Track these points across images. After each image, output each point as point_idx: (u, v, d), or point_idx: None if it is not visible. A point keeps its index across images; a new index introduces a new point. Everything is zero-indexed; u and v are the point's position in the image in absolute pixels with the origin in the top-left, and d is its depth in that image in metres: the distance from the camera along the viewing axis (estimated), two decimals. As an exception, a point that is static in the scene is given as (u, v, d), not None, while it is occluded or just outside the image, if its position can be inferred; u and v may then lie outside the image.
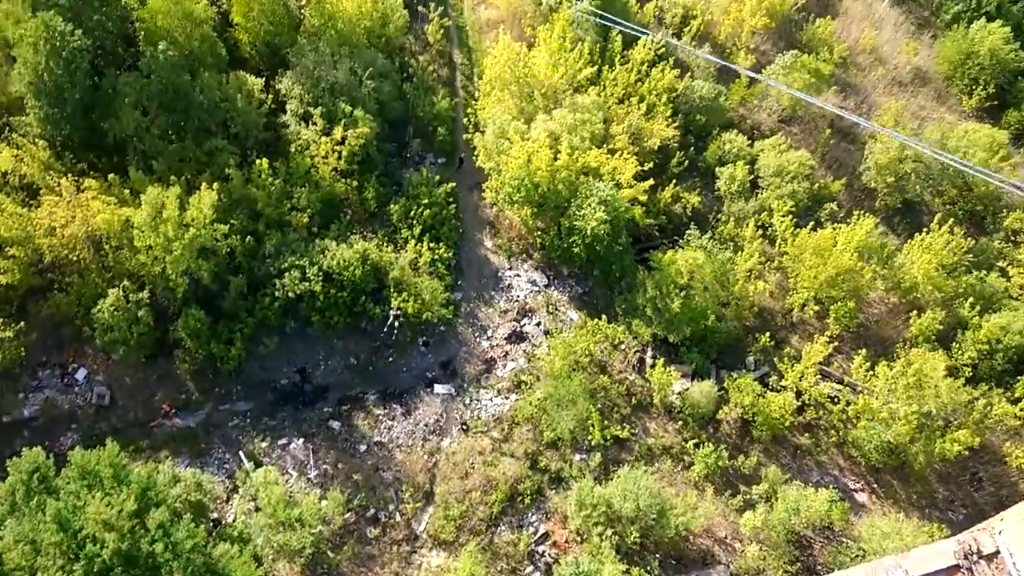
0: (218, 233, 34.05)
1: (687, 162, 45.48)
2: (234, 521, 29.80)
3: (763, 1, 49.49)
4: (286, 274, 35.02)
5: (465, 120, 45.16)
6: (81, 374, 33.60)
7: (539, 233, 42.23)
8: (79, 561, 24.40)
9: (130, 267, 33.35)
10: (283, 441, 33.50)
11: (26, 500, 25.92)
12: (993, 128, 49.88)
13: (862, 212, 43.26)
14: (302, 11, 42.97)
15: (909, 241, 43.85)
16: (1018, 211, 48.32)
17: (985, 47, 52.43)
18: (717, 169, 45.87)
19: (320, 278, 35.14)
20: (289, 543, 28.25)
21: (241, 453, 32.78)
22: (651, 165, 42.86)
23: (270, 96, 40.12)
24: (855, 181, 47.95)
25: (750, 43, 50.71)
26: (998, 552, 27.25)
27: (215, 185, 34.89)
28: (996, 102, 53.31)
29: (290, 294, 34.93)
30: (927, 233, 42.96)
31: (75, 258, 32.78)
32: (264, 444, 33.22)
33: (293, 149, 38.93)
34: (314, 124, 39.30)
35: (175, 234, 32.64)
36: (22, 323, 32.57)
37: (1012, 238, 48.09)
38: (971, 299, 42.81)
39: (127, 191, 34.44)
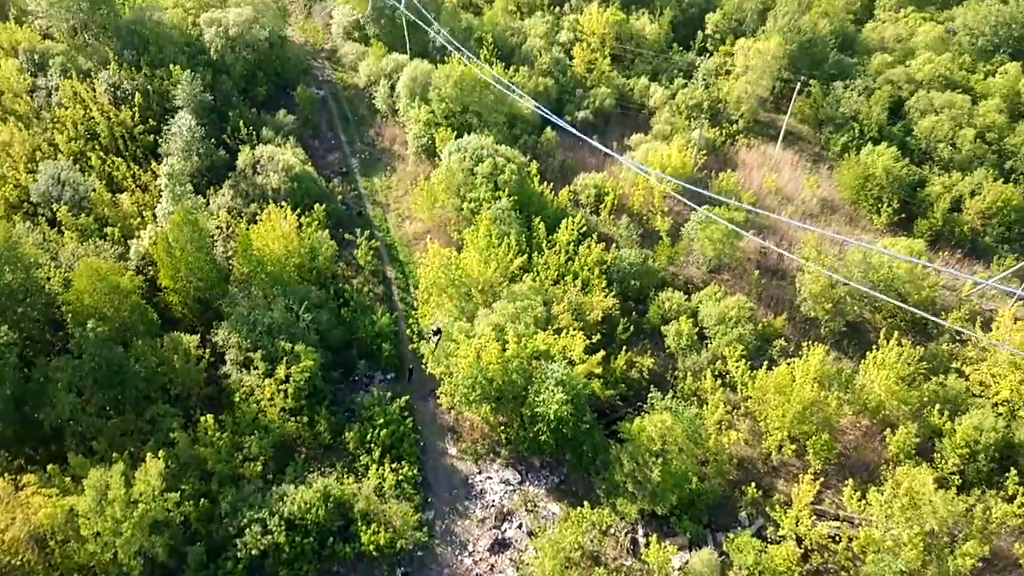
0: (169, 503, 33.25)
1: (632, 327, 47.34)
2: None
3: (666, 169, 54.35)
4: (246, 531, 33.94)
5: (408, 331, 46.62)
6: None
7: (503, 428, 42.43)
8: None
9: (79, 560, 31.91)
10: None
11: None
12: (908, 239, 53.94)
13: (810, 342, 45.02)
14: (230, 261, 45.12)
15: (863, 361, 45.47)
16: (955, 311, 51.13)
17: (879, 168, 57.83)
18: (662, 328, 47.81)
19: (283, 528, 34.13)
20: None
21: None
22: (598, 337, 44.41)
23: (207, 350, 40.94)
24: (796, 314, 50.34)
25: (664, 207, 54.88)
26: None
27: (160, 453, 34.54)
28: (904, 215, 58.04)
29: (253, 551, 33.66)
30: (878, 350, 44.77)
31: (18, 562, 31.29)
32: None
33: (237, 398, 39.21)
34: (256, 368, 39.98)
35: (123, 514, 31.76)
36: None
37: (957, 337, 50.44)
38: (938, 405, 43.89)
39: (68, 478, 33.73)
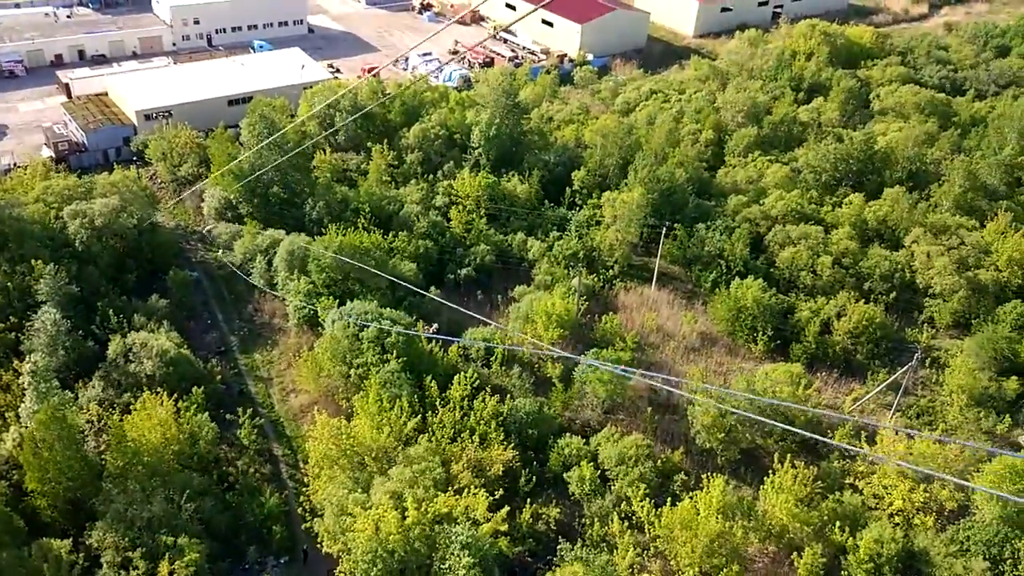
0: None
1: (535, 477, 50.26)
2: None
3: (551, 318, 59.78)
4: None
5: (300, 510, 47.49)
6: None
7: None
8: None
9: None
10: None
11: None
12: (787, 363, 60.65)
13: (709, 473, 49.12)
14: (103, 457, 45.52)
15: (762, 487, 49.85)
16: (840, 428, 57.12)
17: (749, 299, 65.45)
18: (565, 475, 50.90)
19: None
20: None
21: None
22: (501, 492, 47.00)
23: (81, 555, 40.52)
24: (692, 446, 54.83)
25: (550, 357, 59.73)
26: None
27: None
28: (779, 341, 65.30)
29: None
30: (774, 474, 49.34)
31: None
32: None
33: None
34: (135, 569, 39.82)
35: None
36: None
37: (846, 454, 56.09)
38: (838, 522, 48.26)
39: None
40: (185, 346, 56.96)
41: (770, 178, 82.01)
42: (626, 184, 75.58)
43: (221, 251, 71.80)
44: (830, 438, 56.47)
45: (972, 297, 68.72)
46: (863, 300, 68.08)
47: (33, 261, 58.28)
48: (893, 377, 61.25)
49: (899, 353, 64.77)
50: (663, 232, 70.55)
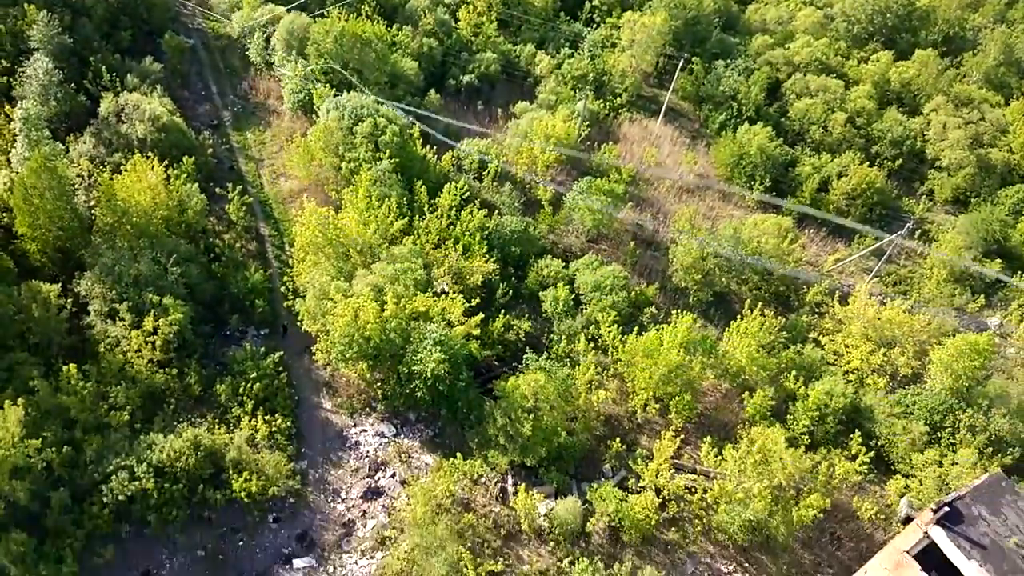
0: (30, 449, 36.30)
1: (511, 292, 53.35)
2: None
3: (550, 138, 60.69)
4: (112, 478, 37.47)
5: (283, 288, 50.72)
6: None
7: (379, 384, 47.37)
8: None
9: (-66, 500, 34.63)
10: (140, 652, 34.79)
11: None
12: (778, 216, 62.70)
13: (679, 310, 52.29)
14: (92, 211, 47.71)
15: (727, 329, 53.38)
16: (816, 285, 60.21)
17: (754, 146, 66.43)
18: (540, 293, 54.06)
19: (151, 474, 37.88)
20: None
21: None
22: (478, 300, 50.19)
23: (69, 300, 43.70)
24: (667, 284, 57.91)
25: (547, 176, 61.26)
26: None
27: (20, 400, 37.40)
28: (775, 192, 66.96)
29: (120, 497, 37.27)
30: (742, 319, 52.70)
31: None
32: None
33: (102, 349, 42.34)
34: (122, 319, 43.12)
35: (-17, 458, 34.69)
36: None
37: (816, 311, 59.55)
38: (794, 372, 52.25)
39: (-79, 421, 36.15)
40: (178, 114, 57.73)
41: (800, 21, 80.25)
42: (649, 6, 73.83)
43: (219, 21, 70.64)
44: (804, 294, 59.92)
45: (978, 175, 69.95)
46: (867, 163, 69.24)
47: (26, 5, 57.59)
48: (880, 243, 63.68)
49: (891, 221, 66.80)
50: (680, 65, 69.94)
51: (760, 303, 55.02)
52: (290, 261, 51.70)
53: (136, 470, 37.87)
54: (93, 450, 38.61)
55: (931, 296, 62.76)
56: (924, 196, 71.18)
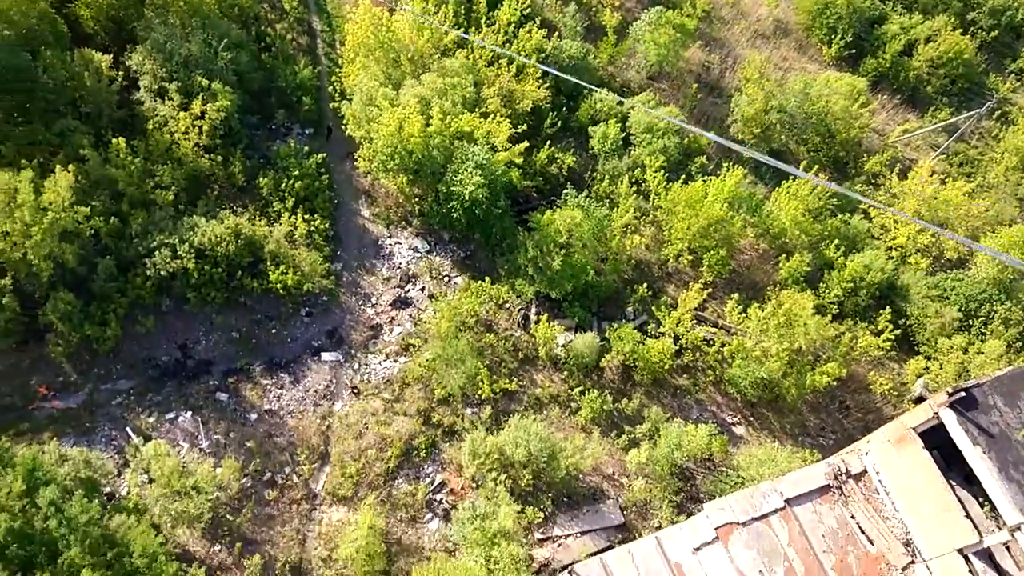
0: (79, 215, 38.31)
1: (560, 123, 52.93)
2: (128, 494, 34.52)
3: (625, -40, 57.82)
4: (156, 253, 39.72)
5: (330, 89, 50.78)
6: (-55, 370, 37.41)
7: (416, 200, 48.51)
8: (-28, 542, 28.61)
9: (-11, 253, 37.16)
10: (171, 415, 38.42)
11: (-93, 489, 29.74)
12: (852, 76, 60.31)
13: (731, 163, 51.84)
14: (145, -17, 47.34)
15: (776, 189, 53.04)
16: (877, 155, 58.88)
17: (843, -4, 62.85)
18: (590, 128, 53.58)
19: (192, 255, 40.04)
20: (186, 510, 33.33)
21: (128, 429, 37.44)
22: (525, 127, 49.99)
23: (121, 73, 44.36)
24: (723, 134, 56.94)
25: (615, 1, 58.85)
26: (865, 471, 34.49)
27: (71, 167, 38.99)
28: (854, 51, 64.00)
29: (162, 272, 39.71)
30: (793, 180, 52.16)
31: (-73, 248, 36.34)
32: (151, 419, 38.07)
33: (151, 126, 43.43)
34: (170, 99, 43.90)
35: (33, 219, 36.70)
36: None
37: (872, 181, 58.61)
38: (836, 241, 52.33)
39: (-24, 176, 38.07)
40: None
41: None
42: None
43: None
44: (863, 163, 58.75)
45: (1079, 59, 66.09)
46: (960, 31, 65.42)
47: None
48: (954, 119, 61.44)
49: (971, 97, 64.01)
50: None
51: (816, 166, 54.23)
52: (340, 61, 51.39)
53: (178, 249, 39.98)
54: (139, 224, 40.64)
55: (996, 182, 61.20)
56: (1012, 74, 67.58)
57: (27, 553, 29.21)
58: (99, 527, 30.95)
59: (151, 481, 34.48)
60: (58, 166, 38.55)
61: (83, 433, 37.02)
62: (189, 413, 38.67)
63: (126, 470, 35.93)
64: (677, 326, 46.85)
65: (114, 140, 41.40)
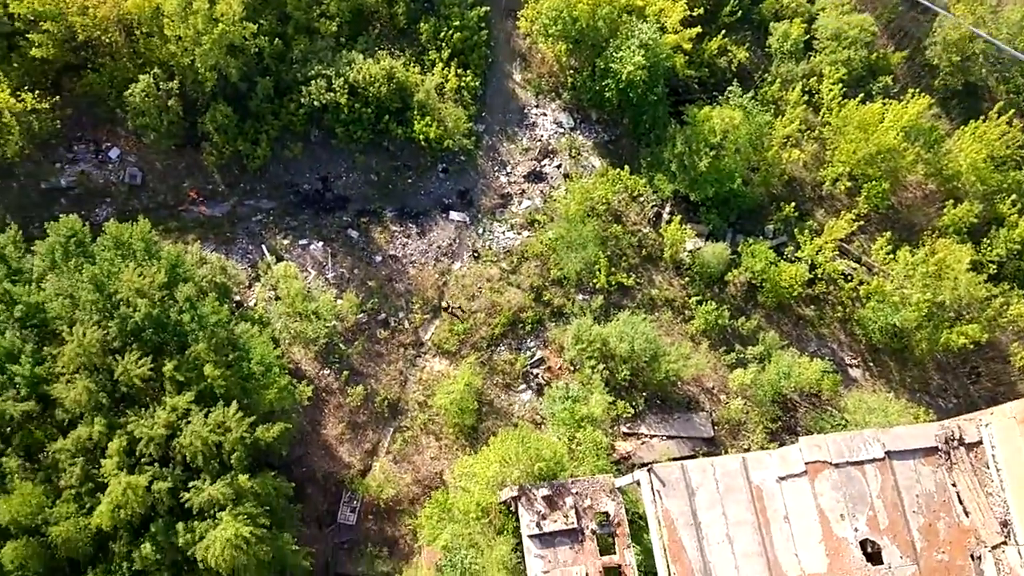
0: (247, 32, 39.62)
1: (740, 12, 49.54)
2: (255, 305, 37.42)
3: None
4: (312, 82, 40.91)
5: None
6: (114, 153, 40.69)
7: (571, 72, 47.44)
8: (113, 319, 31.73)
9: (160, 56, 39.20)
10: (303, 242, 40.85)
11: (64, 260, 33.06)
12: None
13: (918, 90, 47.83)
14: None
15: (962, 127, 48.83)
16: (1092, 108, 52.88)
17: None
18: (771, 24, 50.13)
19: (345, 90, 41.03)
20: (305, 331, 35.85)
21: (263, 247, 40.15)
22: (701, 11, 47.33)
23: None
24: (917, 55, 52.23)
25: None
26: (980, 443, 33.10)
27: (242, -20, 40.06)
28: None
29: (315, 102, 41.03)
30: (983, 121, 47.82)
31: (107, 40, 38.68)
32: (285, 241, 40.62)
33: (324, -44, 43.74)
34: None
35: (204, 27, 38.29)
36: (57, 97, 39.06)
37: (1075, 138, 52.90)
38: (1014, 196, 48.18)
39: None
40: None
41: None
42: None
43: None
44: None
45: None
46: None
47: None
48: None
49: None
50: None
51: (1012, 111, 49.30)
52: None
53: (333, 82, 40.97)
54: (300, 50, 41.77)
55: None
56: None
57: (160, 339, 32.29)
58: (225, 330, 33.67)
59: (277, 299, 37.07)
60: (264, -22, 39.64)
61: (223, 242, 39.92)
62: (321, 243, 40.88)
63: (256, 284, 38.75)
64: (817, 254, 45.06)
65: (282, -32, 42.07)
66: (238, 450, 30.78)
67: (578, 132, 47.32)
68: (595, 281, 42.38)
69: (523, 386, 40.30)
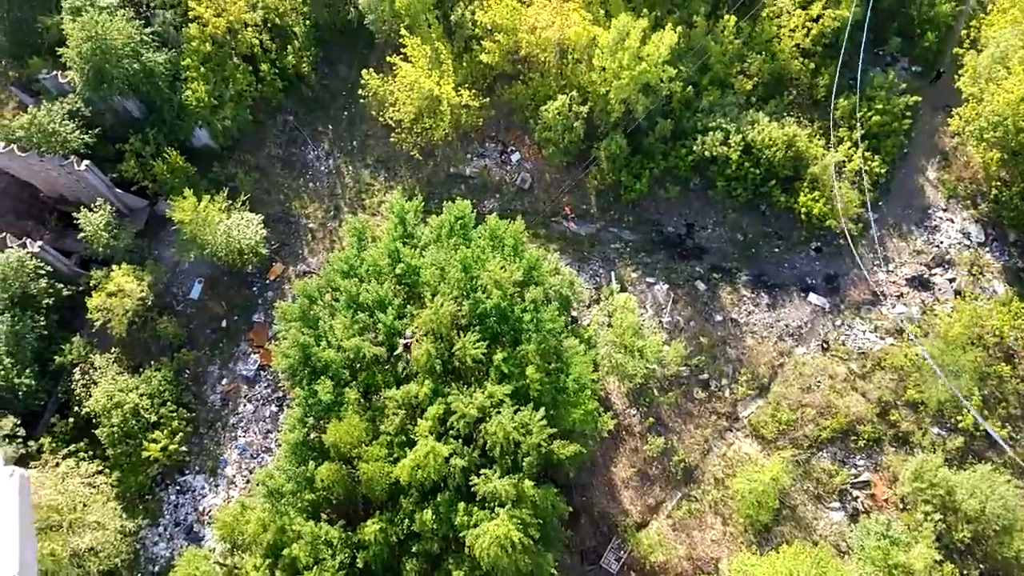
0: (665, 75, 39.27)
1: None
2: (588, 325, 36.75)
3: None
4: (710, 133, 39.49)
5: (963, 32, 43.37)
6: (515, 157, 43.18)
7: (998, 183, 40.41)
8: (468, 299, 32.78)
9: (581, 81, 40.63)
10: (650, 280, 39.60)
11: (448, 237, 35.05)
12: None
13: None
14: None
15: None
16: None
17: None
18: None
19: (740, 147, 39.04)
20: (625, 366, 34.30)
21: (612, 273, 39.65)
22: None
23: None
24: None
25: None
26: None
27: (678, 29, 39.68)
28: None
29: (706, 152, 39.55)
30: None
31: (543, 59, 40.91)
32: (634, 275, 39.71)
33: (764, 14, 41.96)
34: (800, -10, 41.56)
35: (628, 63, 38.57)
36: (487, 99, 42.38)
37: None
38: None
39: (603, 11, 41.00)
40: None
41: None
42: None
43: None
44: None
45: None
46: None
47: None
48: None
49: None
50: None
51: None
52: (988, 5, 43.18)
53: (731, 137, 39.24)
54: (709, 101, 40.74)
55: None
56: None
57: (499, 330, 32.83)
58: (556, 339, 33.35)
59: (609, 326, 36.07)
60: (669, 24, 39.46)
61: (579, 259, 40.02)
62: (666, 286, 39.17)
63: (595, 306, 38.13)
64: None
65: (726, 17, 41.04)
66: (532, 454, 30.18)
67: (987, 249, 40.12)
68: (959, 419, 35.32)
69: (837, 504, 34.73)
